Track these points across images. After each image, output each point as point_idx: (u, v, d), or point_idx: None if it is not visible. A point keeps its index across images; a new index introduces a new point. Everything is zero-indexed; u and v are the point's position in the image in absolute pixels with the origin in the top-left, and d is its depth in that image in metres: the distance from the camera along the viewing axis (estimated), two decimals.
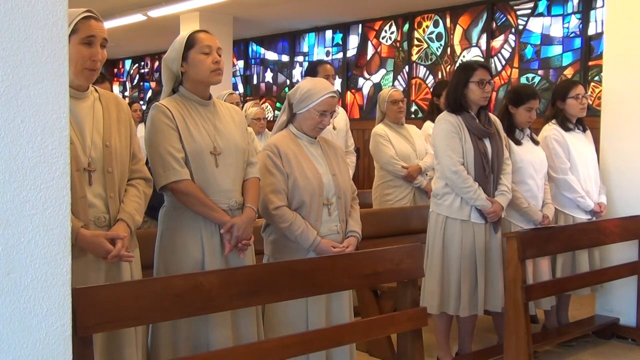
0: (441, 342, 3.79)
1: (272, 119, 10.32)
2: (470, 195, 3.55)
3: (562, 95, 4.29)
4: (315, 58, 9.92)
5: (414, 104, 8.65)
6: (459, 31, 8.19)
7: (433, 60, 8.47)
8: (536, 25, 7.48)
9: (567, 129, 4.27)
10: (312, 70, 4.58)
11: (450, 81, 3.82)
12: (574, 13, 7.16)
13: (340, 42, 9.59)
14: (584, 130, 4.36)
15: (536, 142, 4.10)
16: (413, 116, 8.39)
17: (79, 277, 2.20)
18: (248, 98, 10.60)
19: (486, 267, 3.64)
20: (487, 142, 3.66)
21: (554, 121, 4.30)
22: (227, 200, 2.73)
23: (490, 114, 3.79)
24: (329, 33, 9.78)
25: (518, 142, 3.98)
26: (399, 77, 8.85)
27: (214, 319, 2.65)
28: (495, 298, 3.64)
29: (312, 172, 2.95)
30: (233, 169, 2.76)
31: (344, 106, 9.39)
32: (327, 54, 9.79)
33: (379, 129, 4.92)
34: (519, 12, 7.62)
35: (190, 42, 2.74)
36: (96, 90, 2.49)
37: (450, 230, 3.62)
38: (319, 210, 2.94)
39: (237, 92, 10.61)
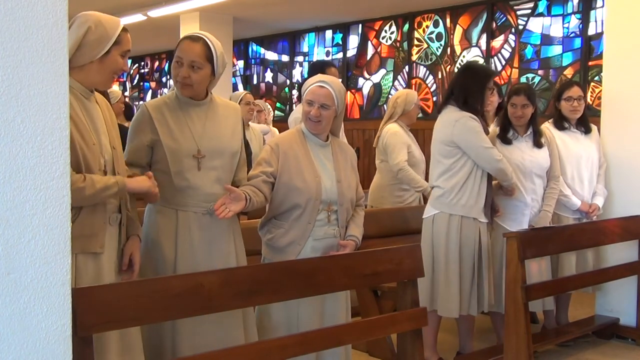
0: (429, 342, 3.77)
1: (272, 119, 10.31)
2: (513, 181, 3.73)
3: (558, 96, 4.36)
4: (315, 58, 9.92)
5: None
6: (459, 31, 8.19)
7: (433, 60, 8.47)
8: (536, 25, 7.48)
9: (561, 128, 4.30)
10: (320, 71, 4.46)
11: (467, 82, 3.71)
12: (574, 13, 7.16)
13: (340, 42, 9.59)
14: (586, 132, 4.34)
15: (539, 145, 4.03)
16: None
17: (93, 278, 2.30)
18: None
19: (492, 266, 3.70)
20: None
21: (551, 120, 4.35)
22: (207, 204, 2.70)
23: None
24: (329, 33, 9.78)
25: (508, 142, 3.99)
26: (399, 77, 8.85)
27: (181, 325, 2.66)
28: (489, 297, 3.67)
29: (311, 176, 2.89)
30: (216, 172, 2.74)
31: None
32: (327, 54, 9.79)
33: (397, 129, 4.77)
34: (519, 12, 7.62)
35: None
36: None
37: (453, 227, 3.60)
38: (313, 213, 2.88)
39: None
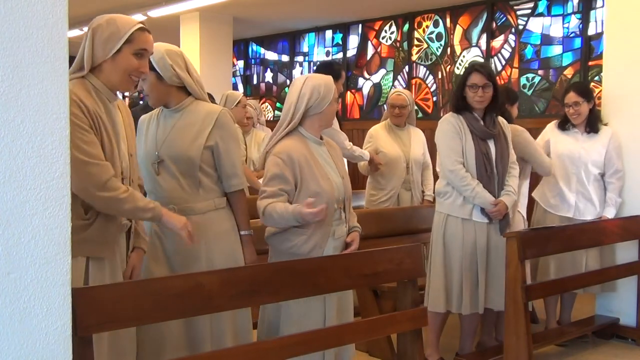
0: (431, 341, 3.79)
1: (272, 119, 10.32)
2: (468, 194, 3.57)
3: (561, 99, 4.43)
4: (315, 58, 9.92)
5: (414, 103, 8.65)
6: (459, 31, 8.19)
7: (433, 60, 8.46)
8: (536, 25, 7.47)
9: (563, 128, 4.38)
10: (337, 72, 4.48)
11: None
12: (574, 13, 7.15)
13: (340, 42, 9.59)
14: (592, 132, 4.32)
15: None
16: None
17: (100, 281, 2.30)
18: (248, 98, 10.59)
19: (490, 266, 3.65)
20: (491, 144, 3.67)
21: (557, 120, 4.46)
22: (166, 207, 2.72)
23: (499, 117, 3.81)
24: (329, 33, 9.78)
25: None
26: (399, 77, 8.84)
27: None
28: (499, 297, 3.64)
29: (323, 178, 2.89)
30: (174, 177, 2.76)
31: (344, 106, 9.38)
32: (327, 54, 9.79)
33: (374, 129, 5.01)
34: (519, 12, 7.61)
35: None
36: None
37: (451, 228, 3.65)
38: (331, 214, 2.89)
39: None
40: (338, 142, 4.26)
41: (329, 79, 3.00)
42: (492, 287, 3.65)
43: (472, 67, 3.70)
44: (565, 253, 4.16)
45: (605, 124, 4.38)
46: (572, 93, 4.30)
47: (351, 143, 4.65)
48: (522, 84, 7.54)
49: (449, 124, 3.67)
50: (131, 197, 2.29)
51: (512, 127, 3.98)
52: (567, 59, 7.22)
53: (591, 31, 7.00)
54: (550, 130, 4.43)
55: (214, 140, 2.79)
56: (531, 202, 4.49)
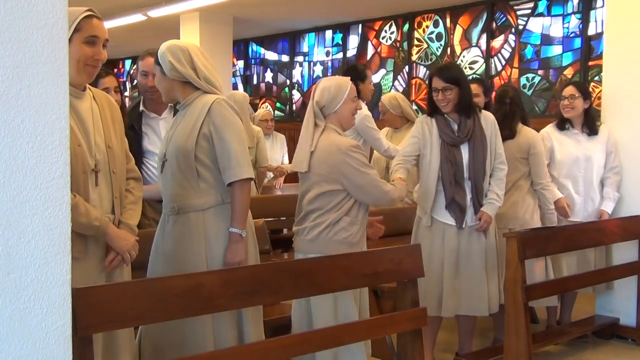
0: (425, 345, 3.74)
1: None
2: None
3: (559, 95, 4.43)
4: (315, 58, 9.93)
5: (414, 103, 8.65)
6: (459, 31, 8.19)
7: (433, 60, 8.47)
8: (536, 25, 7.48)
9: (562, 128, 4.36)
10: (361, 73, 4.57)
11: None
12: (574, 13, 7.16)
13: (340, 42, 9.59)
14: (591, 133, 4.32)
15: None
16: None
17: (81, 280, 2.23)
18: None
19: (463, 272, 3.57)
20: (464, 148, 3.56)
21: (555, 121, 4.41)
22: (169, 205, 2.78)
23: (487, 116, 3.67)
24: (329, 33, 9.78)
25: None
26: (399, 77, 8.85)
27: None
28: (477, 301, 3.57)
29: None
30: (174, 174, 2.77)
31: None
32: (327, 54, 9.80)
33: None
34: (519, 12, 7.62)
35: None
36: (89, 89, 2.49)
37: (420, 231, 3.67)
38: None
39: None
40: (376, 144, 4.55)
41: (342, 80, 3.13)
42: (469, 293, 3.56)
43: (432, 72, 3.68)
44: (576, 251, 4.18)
45: (600, 124, 4.39)
46: (570, 87, 4.34)
47: (389, 142, 4.68)
48: (522, 84, 7.55)
49: (416, 126, 3.71)
50: (75, 211, 2.04)
51: (528, 131, 4.01)
52: (567, 59, 7.22)
53: (591, 31, 7.01)
54: (550, 134, 4.35)
55: (207, 128, 2.73)
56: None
